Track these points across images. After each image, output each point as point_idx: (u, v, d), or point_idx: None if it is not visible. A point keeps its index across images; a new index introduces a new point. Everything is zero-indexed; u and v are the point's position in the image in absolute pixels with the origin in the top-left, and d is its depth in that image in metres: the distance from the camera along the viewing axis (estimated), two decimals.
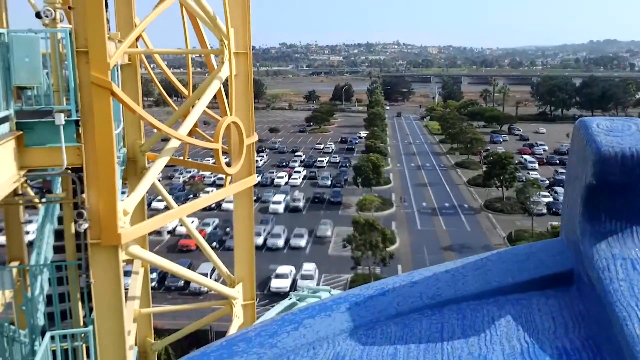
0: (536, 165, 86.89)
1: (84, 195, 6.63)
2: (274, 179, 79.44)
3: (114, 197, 6.37)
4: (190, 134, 8.94)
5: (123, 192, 11.33)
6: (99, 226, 6.42)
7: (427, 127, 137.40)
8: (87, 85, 6.33)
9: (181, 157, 12.10)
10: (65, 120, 6.58)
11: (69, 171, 6.88)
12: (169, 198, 9.85)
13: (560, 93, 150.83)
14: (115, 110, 8.22)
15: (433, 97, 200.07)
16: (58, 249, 9.26)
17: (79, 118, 6.57)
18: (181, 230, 54.37)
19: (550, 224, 56.83)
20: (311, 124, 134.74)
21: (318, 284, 45.20)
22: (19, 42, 6.66)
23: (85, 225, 6.39)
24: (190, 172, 79.65)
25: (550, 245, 1.84)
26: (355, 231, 47.33)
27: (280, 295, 41.51)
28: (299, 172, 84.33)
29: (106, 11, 8.56)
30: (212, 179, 74.15)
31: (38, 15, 7.42)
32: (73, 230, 6.63)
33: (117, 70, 9.46)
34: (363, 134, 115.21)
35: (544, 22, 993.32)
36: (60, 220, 9.19)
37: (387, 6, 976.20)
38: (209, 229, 56.91)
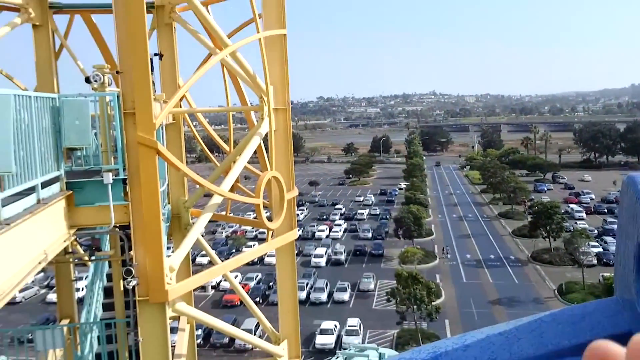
0: (583, 215, 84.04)
1: (131, 253, 6.73)
2: (315, 232, 79.40)
3: (160, 254, 6.43)
4: (232, 189, 9.06)
5: (168, 248, 11.49)
6: (147, 283, 6.47)
7: (468, 177, 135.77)
8: (134, 145, 6.53)
9: (223, 212, 12.25)
10: (113, 179, 6.78)
11: (117, 229, 7.03)
12: (213, 254, 9.91)
13: (604, 139, 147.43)
14: (161, 168, 8.44)
15: (472, 147, 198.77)
16: (107, 307, 9.36)
17: (126, 177, 6.75)
18: (225, 285, 54.58)
19: (601, 275, 54.57)
20: (350, 176, 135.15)
21: (363, 340, 44.22)
22: (69, 106, 6.97)
23: (134, 282, 6.45)
24: (232, 226, 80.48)
25: (605, 305, 1.78)
26: (398, 284, 46.39)
27: (325, 352, 40.76)
28: (340, 225, 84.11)
29: (152, 74, 8.94)
30: (254, 233, 74.66)
31: (87, 80, 7.79)
32: (122, 288, 6.70)
33: (162, 130, 9.76)
34: (403, 184, 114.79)
35: (583, 67, 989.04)
36: (109, 277, 9.34)
37: (422, 57, 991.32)
38: (252, 284, 56.91)
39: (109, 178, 6.69)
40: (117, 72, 6.86)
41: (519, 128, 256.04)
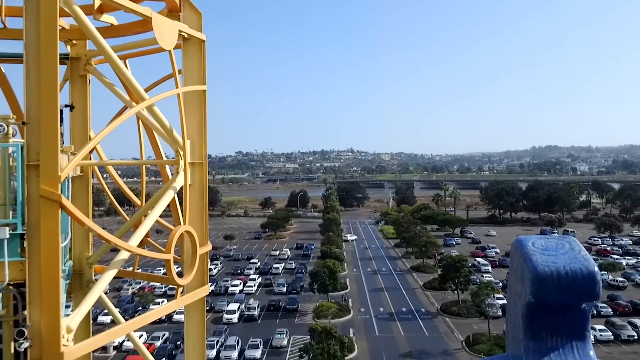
0: (489, 268, 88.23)
1: (25, 312, 6.33)
2: (228, 287, 77.60)
3: (57, 314, 6.10)
4: (141, 244, 8.80)
5: (67, 307, 10.85)
6: (41, 345, 6.08)
7: (383, 232, 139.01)
8: (36, 199, 6.27)
9: (130, 268, 11.80)
10: (10, 233, 6.43)
11: (11, 287, 6.59)
12: (116, 313, 9.47)
13: (508, 197, 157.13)
14: (64, 222, 8.08)
15: (387, 202, 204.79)
16: None
17: (24, 232, 6.43)
18: (128, 345, 51.61)
19: (506, 326, 56.85)
20: (266, 230, 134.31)
21: None
22: None
23: (26, 345, 6.03)
24: (140, 282, 76.94)
25: None
26: (312, 340, 45.93)
27: None
28: (254, 279, 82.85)
29: (61, 125, 8.67)
30: (163, 289, 71.83)
31: None
32: (12, 350, 6.23)
33: (68, 182, 9.41)
34: (350, 237, 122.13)
35: (488, 130, 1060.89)
36: None
37: (340, 115, 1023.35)
38: (158, 343, 54.11)
39: (5, 233, 6.34)
40: (23, 123, 6.62)
41: (431, 185, 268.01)
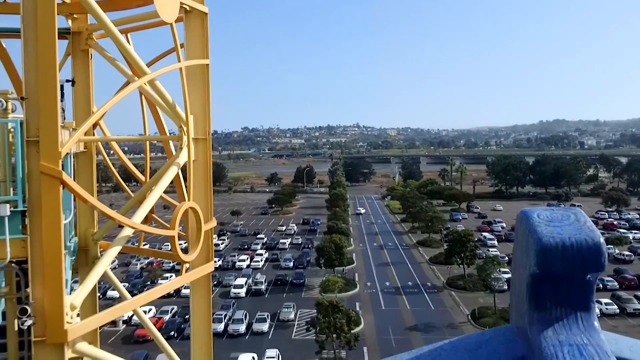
0: (495, 242, 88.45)
1: (28, 290, 6.30)
2: (235, 262, 78.31)
3: (60, 291, 6.07)
4: (146, 220, 8.75)
5: (75, 282, 10.88)
6: (44, 322, 6.07)
7: (389, 207, 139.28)
8: (36, 175, 6.18)
9: (136, 244, 11.80)
10: (10, 211, 6.37)
11: (13, 264, 6.56)
12: (122, 289, 9.48)
13: (515, 171, 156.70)
14: (67, 199, 8.02)
15: (393, 177, 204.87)
16: None
17: (25, 209, 6.36)
18: (137, 319, 52.36)
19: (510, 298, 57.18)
20: (273, 206, 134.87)
21: None
22: None
23: (29, 322, 6.02)
24: (148, 257, 77.70)
25: (501, 332, 1.87)
26: (319, 313, 46.37)
27: None
28: (261, 254, 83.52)
29: (62, 101, 8.55)
30: (172, 264, 72.54)
31: None
32: (16, 327, 6.22)
33: (70, 159, 9.33)
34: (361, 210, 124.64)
35: (495, 104, 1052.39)
36: (2, 316, 8.71)
37: (346, 90, 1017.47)
38: (167, 317, 54.89)
39: (6, 210, 6.28)
40: (22, 98, 6.50)
41: (437, 160, 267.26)
